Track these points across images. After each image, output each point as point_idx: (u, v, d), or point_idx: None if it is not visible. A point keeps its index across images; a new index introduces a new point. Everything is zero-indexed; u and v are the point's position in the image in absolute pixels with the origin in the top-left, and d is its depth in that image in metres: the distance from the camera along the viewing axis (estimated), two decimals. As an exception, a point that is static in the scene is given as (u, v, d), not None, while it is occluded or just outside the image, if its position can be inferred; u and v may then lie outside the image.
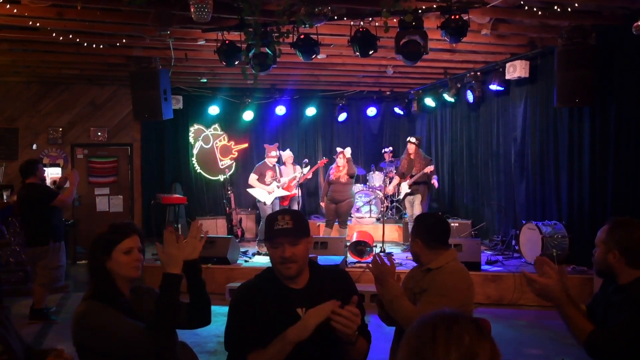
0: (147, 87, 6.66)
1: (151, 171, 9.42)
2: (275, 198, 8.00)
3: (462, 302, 2.23)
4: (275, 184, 7.97)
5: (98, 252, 1.95)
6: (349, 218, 9.45)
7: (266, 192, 7.88)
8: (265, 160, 8.06)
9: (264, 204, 7.89)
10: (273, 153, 8.01)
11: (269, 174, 7.95)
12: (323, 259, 5.82)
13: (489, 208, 8.28)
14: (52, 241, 5.30)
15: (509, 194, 7.70)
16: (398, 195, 7.66)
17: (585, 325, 1.87)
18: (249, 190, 8.12)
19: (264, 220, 7.86)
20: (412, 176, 7.53)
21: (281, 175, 8.30)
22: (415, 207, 7.54)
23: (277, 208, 7.97)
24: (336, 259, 6.01)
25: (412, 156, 7.60)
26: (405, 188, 7.57)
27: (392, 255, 7.18)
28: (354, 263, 6.63)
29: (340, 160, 7.52)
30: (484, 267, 6.29)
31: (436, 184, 7.55)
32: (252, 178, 7.92)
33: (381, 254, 7.16)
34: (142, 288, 2.10)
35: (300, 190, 8.07)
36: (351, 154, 9.62)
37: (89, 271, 1.97)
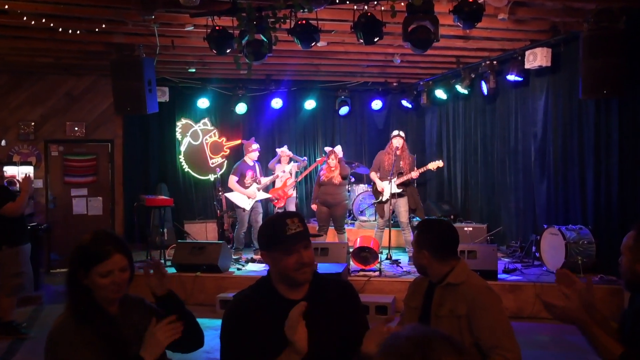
0: (129, 78, 6.65)
1: (134, 170, 9.42)
2: (257, 201, 7.99)
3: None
4: (255, 186, 7.96)
5: (75, 266, 1.93)
6: (352, 222, 9.53)
7: (246, 197, 7.86)
8: (245, 158, 8.04)
9: (243, 210, 7.87)
10: (253, 148, 7.99)
11: (249, 174, 7.94)
12: (323, 267, 5.80)
13: (506, 211, 8.27)
14: (6, 246, 5.28)
15: (529, 195, 7.69)
16: (380, 197, 7.46)
17: (614, 346, 1.83)
18: (226, 195, 8.08)
19: (240, 226, 7.91)
20: (400, 174, 7.33)
21: (277, 172, 8.31)
22: (402, 212, 7.34)
23: (259, 213, 8.03)
24: (338, 267, 5.99)
25: (398, 152, 7.33)
26: (391, 188, 7.27)
27: (400, 262, 7.15)
28: (358, 271, 6.64)
29: (331, 161, 7.51)
30: (501, 275, 6.28)
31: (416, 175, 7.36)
32: (232, 180, 7.86)
33: (387, 261, 7.26)
34: (131, 299, 2.08)
35: (296, 191, 8.09)
36: (353, 152, 9.63)
37: (66, 284, 1.96)
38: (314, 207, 7.76)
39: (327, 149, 7.83)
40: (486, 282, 2.38)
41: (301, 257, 1.79)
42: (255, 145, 8.04)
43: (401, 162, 7.37)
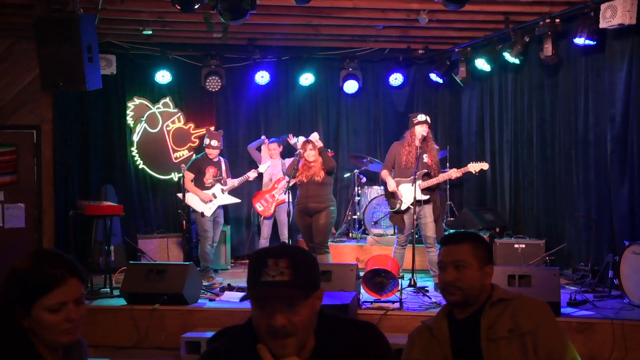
0: (61, 42, 6.51)
1: (69, 167, 9.35)
2: (218, 207, 8.11)
3: None
4: (219, 187, 8.08)
5: (9, 303, 1.87)
6: (363, 236, 9.43)
7: (204, 200, 8.07)
8: (206, 150, 8.26)
9: (202, 215, 8.06)
10: (214, 143, 8.17)
11: (209, 171, 8.10)
12: (325, 296, 5.67)
13: (571, 222, 8.22)
14: None
15: (604, 200, 7.62)
16: (397, 204, 7.31)
17: None
18: (179, 195, 8.23)
19: (204, 239, 8.10)
20: (428, 175, 7.29)
21: (262, 166, 8.27)
22: (428, 225, 7.31)
23: (220, 224, 8.16)
24: (344, 297, 5.93)
25: (419, 140, 7.27)
26: (415, 192, 7.18)
27: (427, 290, 7.10)
28: (371, 302, 6.57)
29: (310, 154, 7.43)
30: (565, 309, 6.23)
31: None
32: (187, 178, 8.09)
33: (410, 288, 7.15)
34: (78, 345, 2.09)
35: (290, 195, 8.00)
36: (364, 143, 9.46)
37: None
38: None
39: (300, 139, 7.80)
40: None
41: (273, 318, 1.71)
42: (216, 142, 8.17)
43: (426, 157, 7.35)
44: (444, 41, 9.62)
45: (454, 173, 7.34)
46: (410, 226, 7.32)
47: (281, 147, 9.05)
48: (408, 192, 7.25)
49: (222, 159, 8.35)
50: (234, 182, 8.29)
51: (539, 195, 8.89)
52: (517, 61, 8.55)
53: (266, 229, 8.87)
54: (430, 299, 6.79)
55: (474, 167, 7.39)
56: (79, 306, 1.95)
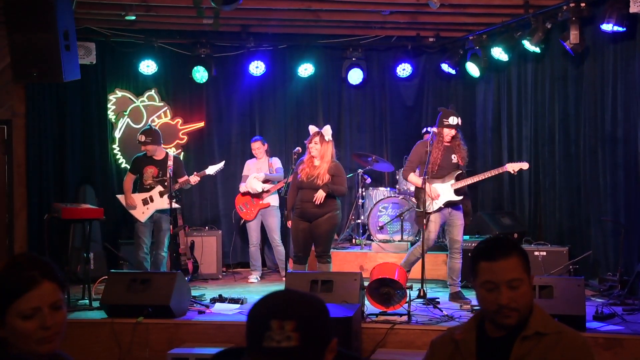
0: (34, 27, 6.59)
1: (44, 166, 9.37)
2: (158, 212, 8.14)
3: None
4: (158, 189, 8.14)
5: None
6: (368, 242, 9.43)
7: (138, 203, 8.18)
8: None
9: (135, 221, 8.17)
10: (142, 138, 8.17)
11: (148, 171, 8.19)
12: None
13: (598, 227, 8.22)
14: None
15: (634, 204, 7.63)
16: (428, 204, 7.33)
17: None
18: (118, 196, 8.36)
19: (137, 251, 8.20)
20: (460, 175, 7.32)
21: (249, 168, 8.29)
22: (458, 228, 7.37)
23: (163, 231, 8.18)
24: (346, 309, 5.87)
25: (446, 141, 7.30)
26: (447, 194, 7.27)
27: (438, 302, 7.08)
28: (376, 316, 6.56)
29: (314, 148, 7.34)
30: (591, 324, 6.20)
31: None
32: (127, 181, 8.29)
33: (420, 300, 7.15)
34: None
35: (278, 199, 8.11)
36: (369, 139, 9.45)
37: None
38: (289, 224, 7.69)
39: (313, 128, 7.64)
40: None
41: None
42: (143, 138, 8.18)
43: (455, 158, 7.39)
44: (457, 28, 9.65)
45: (489, 173, 7.36)
46: (439, 229, 7.38)
47: (266, 145, 9.10)
48: (445, 192, 7.31)
49: (171, 155, 8.31)
50: (174, 186, 8.19)
51: (561, 197, 8.88)
52: (537, 50, 8.52)
53: (254, 234, 8.93)
54: (442, 311, 6.78)
55: (512, 166, 7.37)
56: (56, 312, 1.95)
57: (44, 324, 1.91)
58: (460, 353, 2.45)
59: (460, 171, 7.39)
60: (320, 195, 7.23)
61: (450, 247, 7.43)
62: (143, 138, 8.15)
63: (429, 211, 7.34)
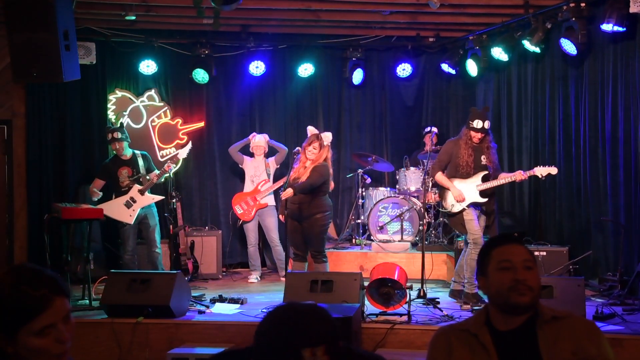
0: (34, 27, 6.59)
1: (44, 166, 9.37)
2: (141, 209, 8.17)
3: None
4: (136, 188, 8.17)
5: None
6: (368, 242, 9.43)
7: (122, 207, 8.19)
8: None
9: (123, 225, 8.24)
10: (117, 135, 8.23)
11: (123, 173, 8.19)
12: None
13: (598, 227, 8.23)
14: None
15: (634, 204, 7.63)
16: (452, 206, 7.33)
17: None
18: (102, 207, 8.11)
19: (123, 255, 8.27)
20: (488, 176, 7.26)
21: (247, 167, 8.29)
22: (481, 228, 7.37)
23: (150, 224, 8.28)
24: (346, 309, 5.89)
25: (477, 140, 7.21)
26: (472, 195, 7.25)
27: (439, 302, 7.09)
28: (376, 315, 6.57)
29: (312, 152, 7.36)
30: (591, 323, 6.18)
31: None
32: (94, 186, 8.34)
33: (420, 300, 7.17)
34: None
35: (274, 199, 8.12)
36: (369, 139, 9.47)
37: None
38: (282, 217, 7.82)
39: (312, 130, 7.66)
40: None
41: None
42: (118, 135, 8.22)
43: (484, 159, 7.31)
44: (457, 28, 9.63)
45: (519, 175, 7.25)
46: (482, 223, 7.33)
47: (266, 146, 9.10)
48: (472, 192, 7.26)
49: (139, 152, 8.37)
50: (152, 179, 8.26)
51: (561, 197, 8.89)
52: (537, 50, 8.51)
53: (252, 235, 8.95)
54: (442, 311, 6.80)
55: (540, 171, 7.22)
56: (68, 322, 1.94)
57: (60, 338, 1.90)
58: (484, 347, 2.48)
59: (487, 172, 7.29)
60: (286, 192, 7.29)
61: (471, 242, 7.27)
62: (118, 135, 8.19)
63: (453, 211, 7.34)
